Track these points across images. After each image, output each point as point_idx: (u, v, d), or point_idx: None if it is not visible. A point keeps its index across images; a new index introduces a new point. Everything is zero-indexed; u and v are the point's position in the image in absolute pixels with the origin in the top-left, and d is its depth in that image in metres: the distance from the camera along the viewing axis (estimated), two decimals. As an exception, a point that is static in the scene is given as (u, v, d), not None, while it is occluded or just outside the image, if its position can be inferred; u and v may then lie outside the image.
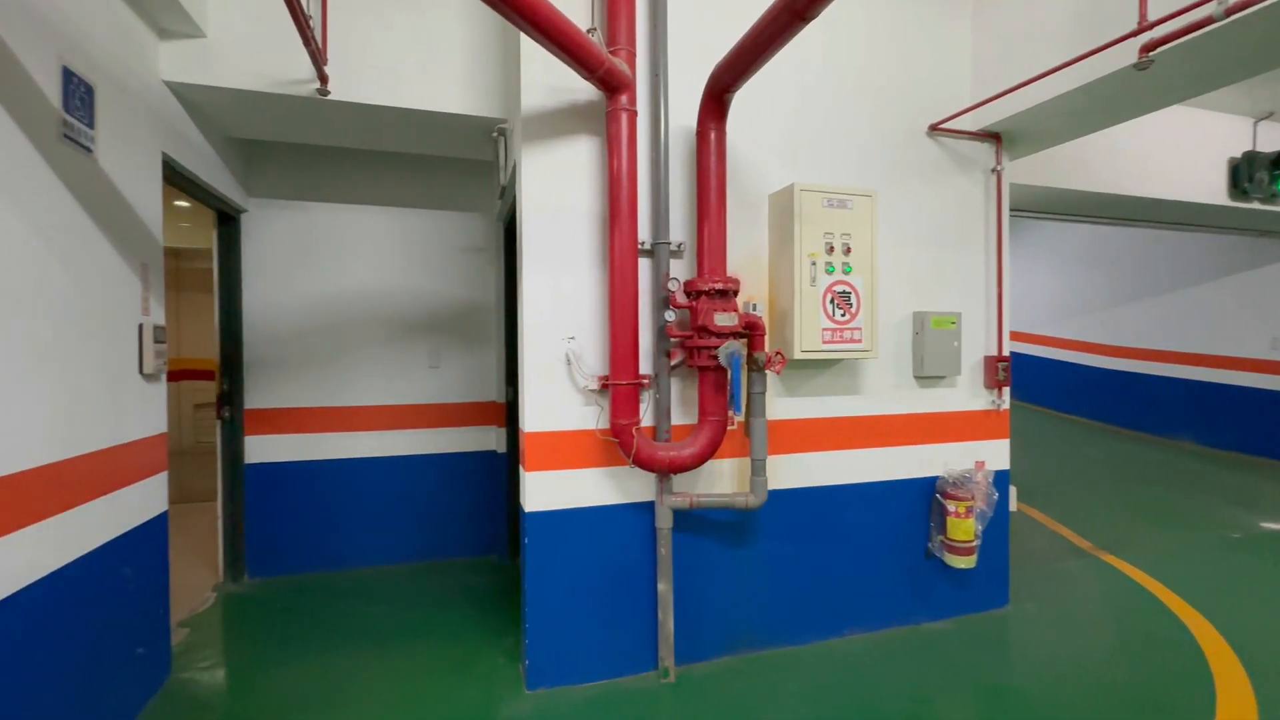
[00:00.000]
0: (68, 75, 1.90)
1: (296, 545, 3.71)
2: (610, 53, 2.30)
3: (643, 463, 2.43)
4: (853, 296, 2.66)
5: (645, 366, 2.55)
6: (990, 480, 2.99)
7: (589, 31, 2.30)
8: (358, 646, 2.86)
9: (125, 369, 2.24)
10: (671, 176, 2.58)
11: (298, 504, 3.71)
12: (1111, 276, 8.36)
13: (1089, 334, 8.74)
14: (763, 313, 2.68)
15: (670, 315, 2.45)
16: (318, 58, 2.48)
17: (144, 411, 2.37)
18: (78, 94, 1.94)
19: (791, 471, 2.82)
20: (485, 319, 4.07)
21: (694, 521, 2.68)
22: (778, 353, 2.49)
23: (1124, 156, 4.27)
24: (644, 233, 2.54)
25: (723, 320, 2.39)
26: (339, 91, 2.72)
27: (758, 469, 2.58)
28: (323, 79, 2.62)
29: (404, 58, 2.85)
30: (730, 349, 2.35)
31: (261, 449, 3.65)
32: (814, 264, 2.59)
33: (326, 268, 3.76)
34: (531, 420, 2.46)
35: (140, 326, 2.33)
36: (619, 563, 2.58)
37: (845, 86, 2.88)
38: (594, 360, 2.53)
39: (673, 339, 2.52)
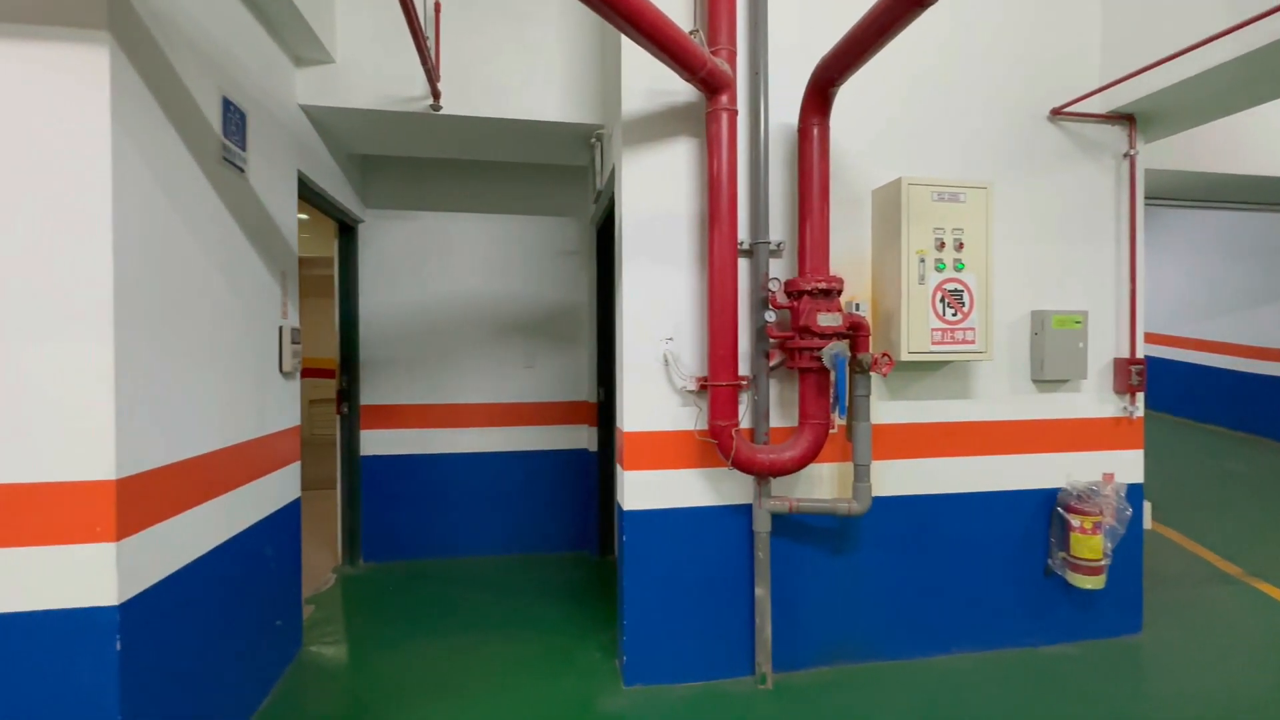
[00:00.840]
0: (226, 104, 2.12)
1: (407, 533, 3.96)
2: (711, 53, 2.30)
3: (741, 465, 2.41)
4: (965, 295, 2.51)
5: (744, 368, 2.53)
6: (1122, 494, 2.73)
7: (691, 33, 2.30)
8: (463, 631, 3.01)
9: (268, 367, 2.48)
10: (771, 175, 2.54)
11: (408, 494, 3.96)
12: (1255, 269, 7.42)
13: (1230, 334, 7.80)
14: (866, 313, 2.59)
15: (770, 316, 2.42)
16: (432, 75, 2.64)
17: (283, 406, 2.60)
18: (234, 120, 2.17)
19: (896, 478, 2.70)
20: (578, 320, 4.17)
21: (792, 526, 2.63)
22: (884, 354, 2.40)
23: (1282, 134, 3.78)
24: (743, 232, 2.52)
25: (826, 320, 2.33)
26: (449, 106, 2.88)
27: (861, 475, 2.49)
28: (435, 95, 2.78)
29: (508, 71, 2.98)
30: (834, 350, 2.29)
31: (375, 442, 3.93)
32: (923, 261, 2.47)
33: (433, 273, 3.99)
34: (629, 420, 2.50)
35: (280, 329, 2.57)
36: (715, 565, 2.57)
37: (958, 72, 2.73)
38: (692, 361, 2.54)
39: (772, 340, 2.48)
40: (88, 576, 1.56)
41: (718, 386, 2.39)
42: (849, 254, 2.65)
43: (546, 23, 3.03)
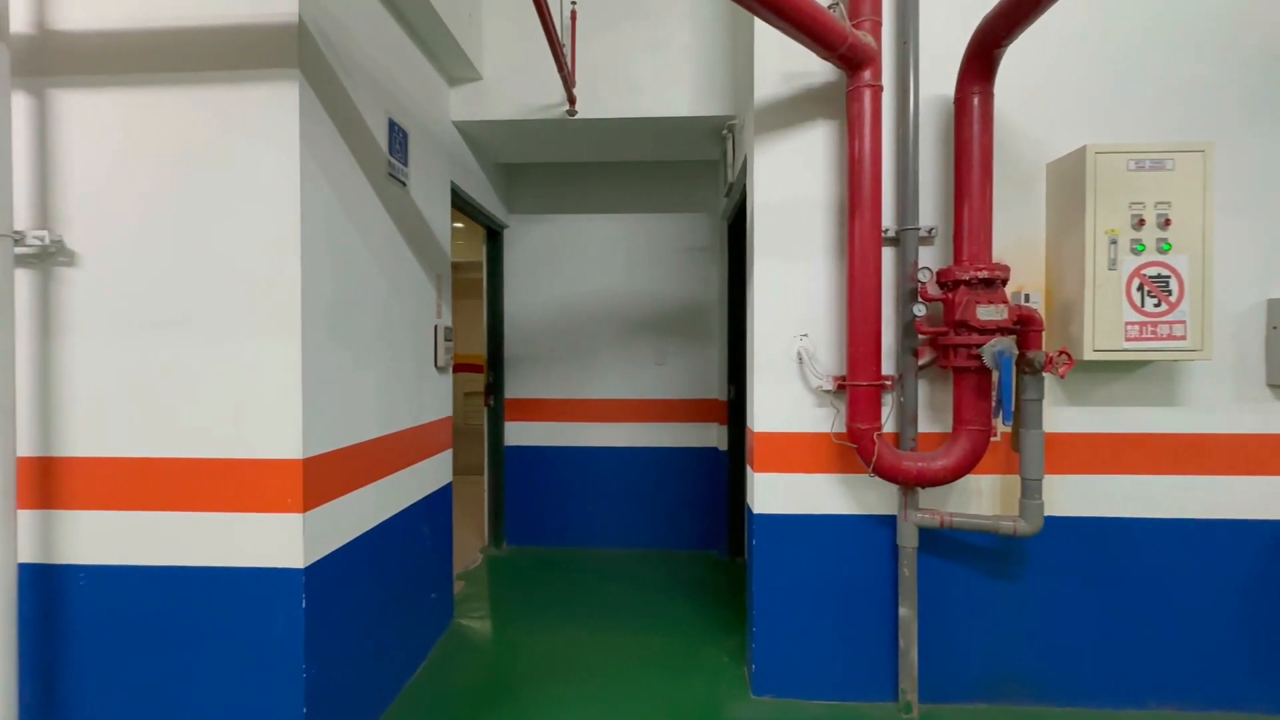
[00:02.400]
0: (392, 125, 2.36)
1: (545, 520, 4.18)
2: (853, 26, 2.13)
3: (884, 472, 2.21)
4: (1172, 281, 2.09)
5: (887, 366, 2.32)
6: (1407, 534, 2.13)
7: (830, 7, 2.15)
8: (596, 620, 3.10)
9: (425, 362, 2.72)
10: (922, 154, 2.31)
11: (546, 484, 4.18)
12: None
13: None
14: (1038, 304, 2.26)
15: (919, 309, 2.19)
16: (568, 82, 2.73)
17: (437, 398, 2.85)
18: (398, 139, 2.40)
19: (1073, 496, 2.33)
20: (708, 317, 4.13)
21: (944, 543, 2.37)
22: (1061, 352, 2.07)
23: None
24: (888, 219, 2.31)
25: (987, 314, 2.06)
26: (584, 110, 2.97)
27: (1030, 490, 2.18)
28: (571, 100, 2.88)
29: (638, 70, 3.01)
30: (998, 347, 2.02)
31: (518, 434, 4.19)
32: (1114, 243, 2.10)
33: (570, 273, 4.16)
34: (761, 420, 2.41)
35: (435, 328, 2.81)
36: (854, 578, 2.39)
37: (1167, 12, 2.28)
38: (828, 359, 2.38)
39: (922, 336, 2.25)
40: (282, 541, 1.80)
41: (857, 387, 2.22)
42: (1015, 238, 2.33)
43: (675, 18, 3.02)
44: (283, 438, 1.80)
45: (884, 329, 2.28)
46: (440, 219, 2.88)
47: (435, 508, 2.81)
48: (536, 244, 4.19)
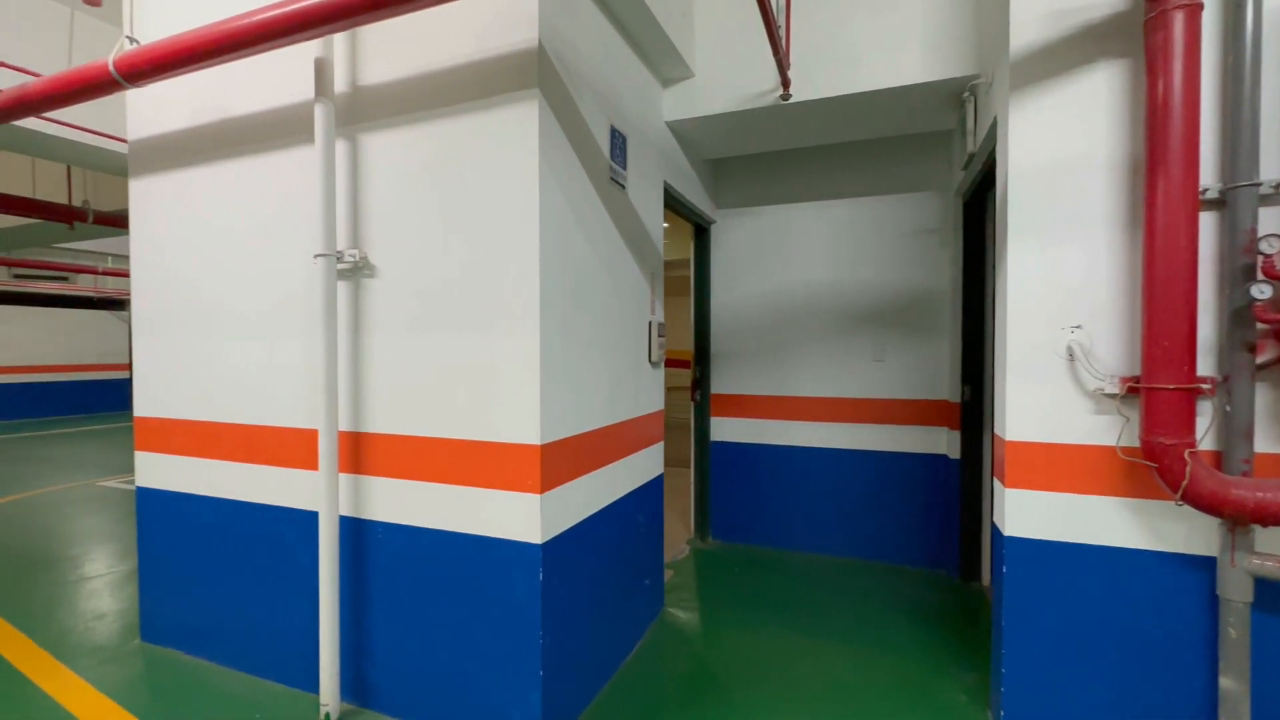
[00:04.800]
0: (613, 131, 2.48)
1: (750, 518, 4.12)
2: (1157, -65, 1.69)
3: (1201, 501, 1.72)
4: None
5: (1204, 365, 1.81)
6: None
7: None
8: (806, 628, 2.95)
9: (640, 357, 2.83)
10: (1264, 88, 1.75)
11: (751, 481, 4.11)
12: None
13: None
14: None
15: (1261, 291, 1.66)
16: (782, 65, 2.62)
17: (652, 392, 2.95)
18: (618, 144, 2.52)
19: None
20: (936, 308, 3.68)
21: (1295, 601, 1.78)
22: None
23: None
24: (1207, 175, 1.79)
25: (1386, 294, 1.48)
26: (799, 93, 2.83)
27: None
28: (785, 84, 2.76)
29: (857, 40, 2.78)
30: (1406, 340, 1.44)
31: (723, 429, 4.18)
32: None
33: (777, 266, 4.03)
34: (1014, 426, 2.04)
35: (649, 324, 2.91)
36: (1144, 630, 1.91)
37: None
38: (1111, 355, 1.93)
39: (1262, 325, 1.71)
40: (523, 518, 2.01)
41: (1159, 390, 1.76)
42: None
43: (904, -25, 2.71)
44: (525, 425, 1.99)
45: (1200, 317, 1.78)
46: (654, 218, 2.97)
47: (649, 497, 2.92)
48: (744, 237, 4.12)
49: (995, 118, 2.29)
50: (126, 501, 5.41)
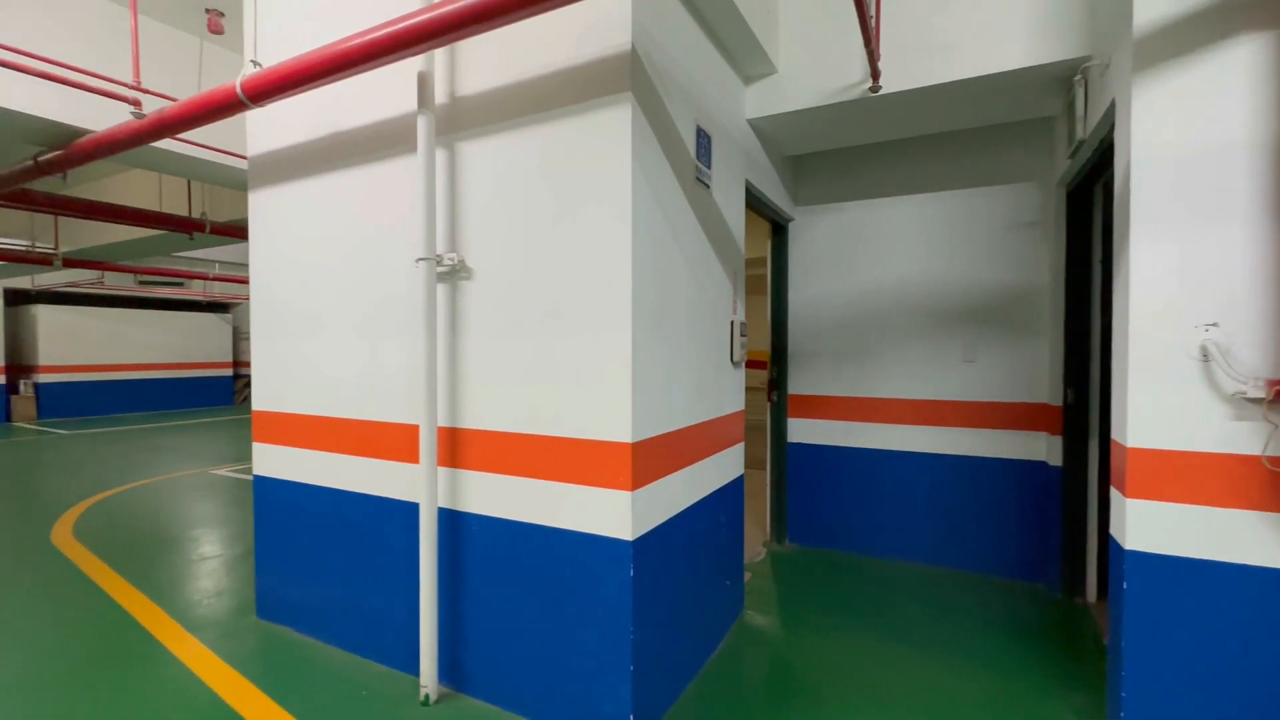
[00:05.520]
0: (699, 131, 2.48)
1: (828, 521, 4.02)
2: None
3: (1368, 518, 1.54)
4: None
5: (1371, 367, 1.62)
6: None
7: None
8: (892, 639, 2.85)
9: (723, 357, 2.82)
10: None
11: (830, 484, 4.01)
12: None
13: None
14: None
15: None
16: (873, 55, 2.54)
17: (733, 392, 2.93)
18: (703, 144, 2.52)
19: None
20: (1033, 306, 3.47)
21: None
22: None
23: None
24: (1376, 155, 1.61)
25: None
26: (890, 84, 2.73)
27: None
28: (875, 75, 2.67)
29: (954, 24, 2.65)
30: None
31: (800, 430, 4.10)
32: None
33: (859, 263, 3.91)
34: (1138, 433, 1.90)
35: (732, 323, 2.89)
36: (1296, 658, 1.74)
37: None
38: (1256, 356, 1.76)
39: None
40: (614, 515, 2.04)
41: (1315, 394, 1.59)
42: None
43: (1007, -46, 2.57)
44: (616, 422, 2.02)
45: (1367, 314, 1.59)
46: (736, 217, 2.95)
47: (730, 498, 2.90)
48: (823, 234, 4.03)
49: (1113, 101, 2.14)
50: (235, 489, 5.87)
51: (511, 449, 2.24)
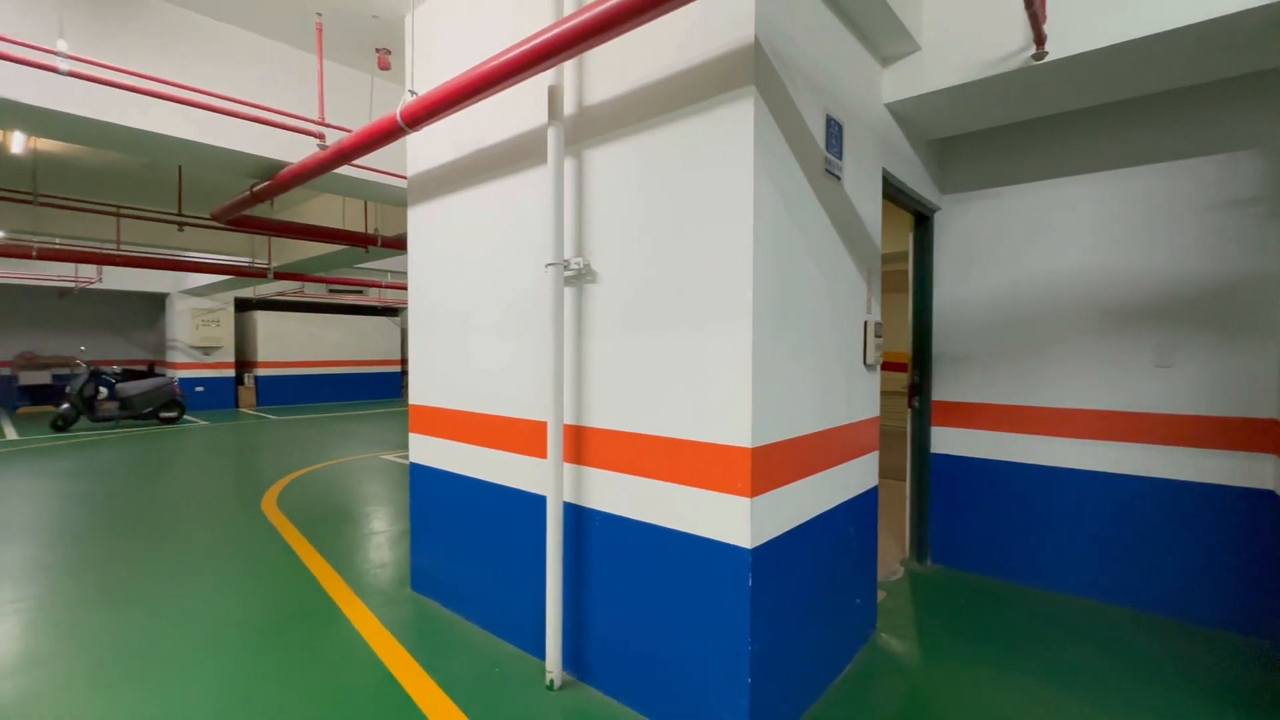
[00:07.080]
0: (829, 121, 2.34)
1: (978, 544, 3.62)
2: None
3: None
4: None
5: None
6: None
7: None
8: (1054, 678, 2.49)
9: (855, 359, 2.64)
10: None
11: (982, 502, 3.61)
12: None
13: None
14: None
15: None
16: (1037, 18, 2.23)
17: (866, 396, 2.74)
18: (833, 134, 2.38)
19: None
20: (1254, 300, 2.85)
21: None
22: None
23: None
24: None
25: None
26: (1057, 49, 2.39)
27: None
28: (1039, 41, 2.35)
29: (1147, -28, 2.25)
30: None
31: (946, 440, 3.73)
32: None
33: (1020, 255, 3.47)
34: None
35: (865, 323, 2.70)
36: None
37: None
38: None
39: None
40: (733, 521, 1.99)
41: None
42: None
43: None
44: (736, 427, 1.97)
45: None
46: (871, 210, 2.75)
47: (861, 510, 2.71)
48: (975, 224, 3.63)
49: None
50: (398, 473, 6.61)
51: (633, 449, 2.27)
